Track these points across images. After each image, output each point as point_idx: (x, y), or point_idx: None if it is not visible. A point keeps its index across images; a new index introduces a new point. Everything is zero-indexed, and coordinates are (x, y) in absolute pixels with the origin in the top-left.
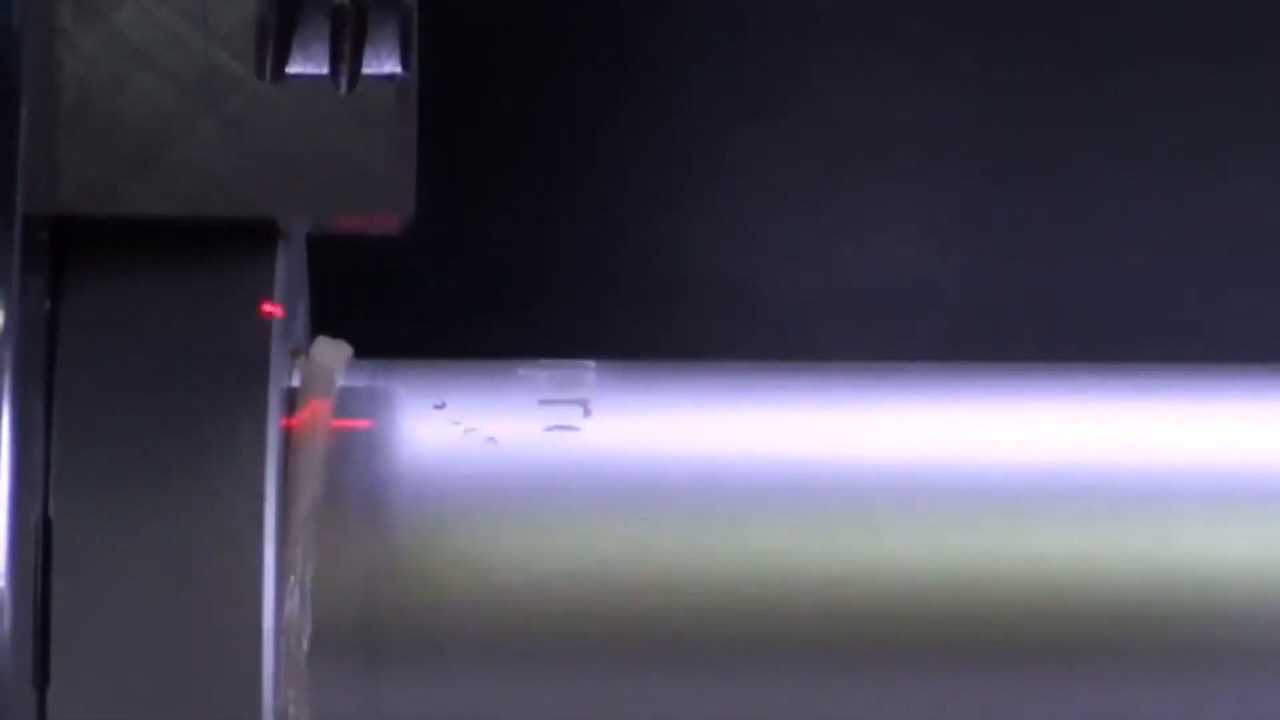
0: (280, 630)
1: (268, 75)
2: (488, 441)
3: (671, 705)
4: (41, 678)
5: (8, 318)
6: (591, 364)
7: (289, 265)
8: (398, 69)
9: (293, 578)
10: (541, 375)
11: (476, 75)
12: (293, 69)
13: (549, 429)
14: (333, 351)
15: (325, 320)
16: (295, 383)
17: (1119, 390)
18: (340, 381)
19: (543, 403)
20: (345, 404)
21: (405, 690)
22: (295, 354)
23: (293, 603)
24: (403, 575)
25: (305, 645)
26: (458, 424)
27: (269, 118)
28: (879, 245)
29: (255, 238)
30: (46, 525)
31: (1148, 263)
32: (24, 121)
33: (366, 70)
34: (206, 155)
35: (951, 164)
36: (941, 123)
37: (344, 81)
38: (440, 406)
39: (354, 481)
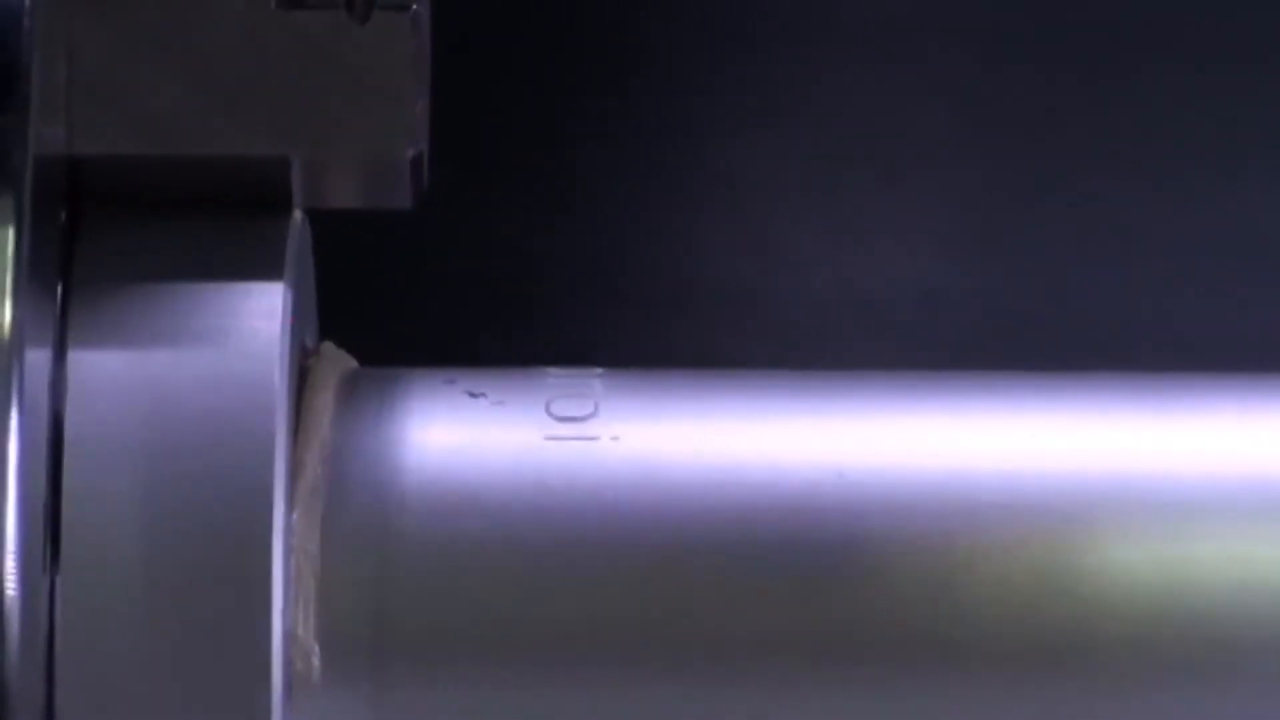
0: (289, 550)
1: (282, 3)
2: (496, 405)
3: (688, 711)
4: (53, 567)
5: (19, 219)
6: (599, 371)
7: (299, 252)
8: (412, 0)
9: (302, 501)
10: (550, 376)
11: (482, 79)
12: None
13: (558, 419)
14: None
15: (329, 334)
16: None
17: (1126, 399)
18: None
19: (552, 405)
20: (355, 375)
21: (410, 635)
22: (305, 353)
23: (302, 522)
24: (409, 541)
25: (316, 566)
26: (467, 392)
27: (281, 50)
28: (888, 252)
29: (268, 207)
30: (57, 422)
31: (1157, 269)
32: (36, 66)
33: (381, 1)
34: (216, 90)
35: (960, 171)
36: (950, 129)
37: (358, 11)
38: (451, 381)
39: (363, 436)
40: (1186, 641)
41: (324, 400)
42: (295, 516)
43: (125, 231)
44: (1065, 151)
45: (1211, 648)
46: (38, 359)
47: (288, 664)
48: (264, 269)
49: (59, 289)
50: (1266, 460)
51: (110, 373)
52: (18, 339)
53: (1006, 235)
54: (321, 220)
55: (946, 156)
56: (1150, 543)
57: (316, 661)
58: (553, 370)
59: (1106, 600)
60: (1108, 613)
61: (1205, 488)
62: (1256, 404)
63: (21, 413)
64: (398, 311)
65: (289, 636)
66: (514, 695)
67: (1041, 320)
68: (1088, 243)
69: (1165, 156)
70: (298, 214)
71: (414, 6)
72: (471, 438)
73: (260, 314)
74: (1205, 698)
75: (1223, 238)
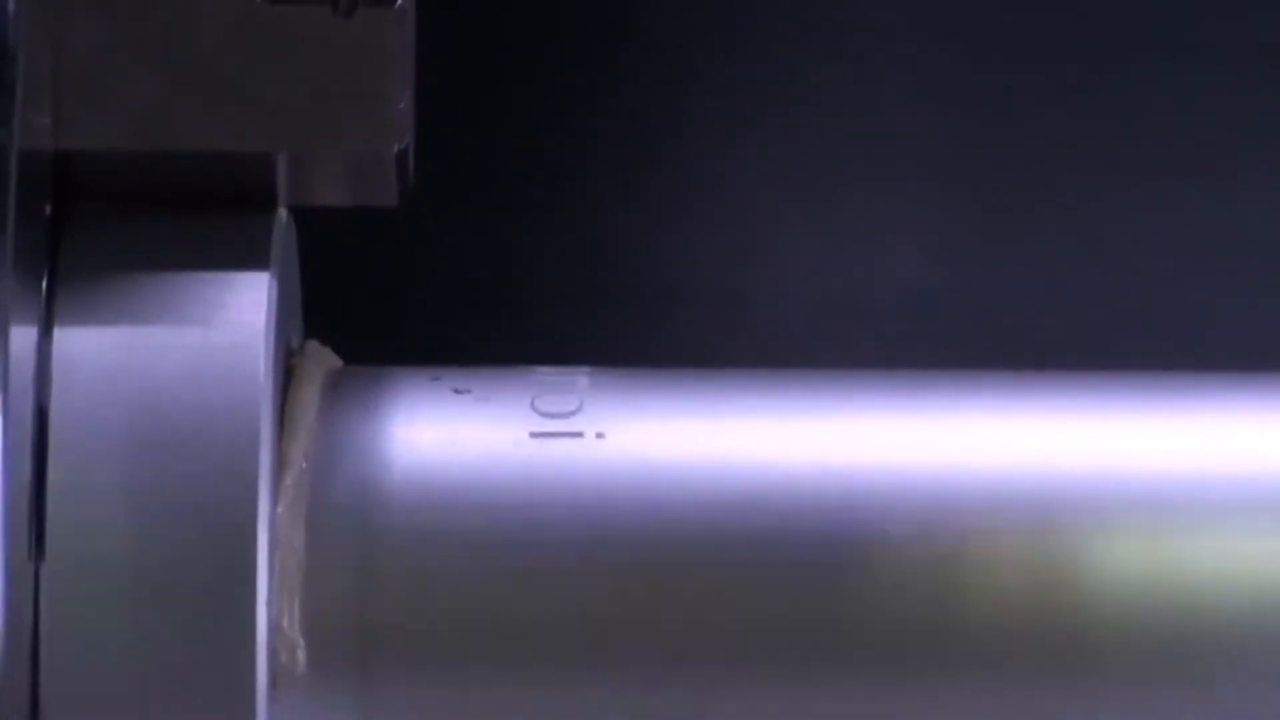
0: (274, 543)
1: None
2: (480, 401)
3: (670, 708)
4: (38, 553)
5: (4, 209)
6: (586, 370)
7: (284, 249)
8: None
9: (287, 495)
10: (535, 374)
11: (472, 78)
12: None
13: (543, 415)
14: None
15: (315, 336)
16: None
17: (1120, 398)
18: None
19: (537, 401)
20: (340, 372)
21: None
22: (290, 351)
23: (286, 516)
24: (393, 535)
25: (301, 560)
26: (452, 388)
27: (267, 45)
28: (879, 253)
29: (254, 202)
30: (42, 413)
31: (1153, 270)
32: (22, 58)
33: None
34: (202, 85)
35: (953, 171)
36: (943, 130)
37: (344, 7)
38: (436, 379)
39: (348, 432)
40: (1184, 640)
41: (309, 396)
42: (280, 510)
43: (111, 224)
44: (1060, 152)
45: (1208, 646)
46: (22, 350)
47: (272, 657)
48: (249, 263)
49: (44, 281)
50: (1265, 459)
51: (95, 364)
52: (2, 329)
53: (1000, 236)
54: (306, 219)
55: (940, 157)
56: (1145, 541)
57: (301, 654)
58: (538, 368)
59: (1102, 598)
60: (1103, 611)
61: (1202, 487)
62: (1255, 403)
63: (6, 403)
64: (381, 315)
65: (274, 629)
66: (497, 689)
67: (1034, 321)
68: (1082, 243)
69: (1161, 157)
70: (283, 211)
71: (399, 2)
72: (456, 434)
73: (245, 307)
74: (1204, 696)
75: (1220, 238)
